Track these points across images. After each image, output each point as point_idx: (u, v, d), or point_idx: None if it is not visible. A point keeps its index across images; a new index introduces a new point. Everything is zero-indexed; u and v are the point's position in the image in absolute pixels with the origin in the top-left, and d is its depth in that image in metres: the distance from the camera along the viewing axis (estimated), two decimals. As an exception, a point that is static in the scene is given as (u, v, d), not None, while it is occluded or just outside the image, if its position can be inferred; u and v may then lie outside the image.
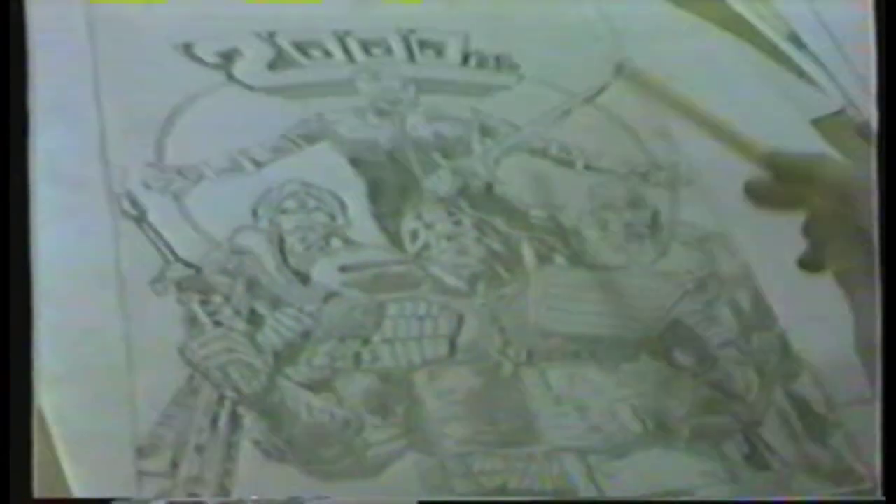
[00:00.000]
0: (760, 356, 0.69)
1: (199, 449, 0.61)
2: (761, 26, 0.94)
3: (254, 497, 0.60)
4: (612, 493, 0.61)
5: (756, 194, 0.65)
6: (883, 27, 0.59)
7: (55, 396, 0.62)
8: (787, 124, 0.86)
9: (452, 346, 0.67)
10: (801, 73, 0.91)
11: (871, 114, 0.84)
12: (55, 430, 0.61)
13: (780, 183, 0.65)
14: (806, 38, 0.93)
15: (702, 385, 0.67)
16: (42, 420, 0.61)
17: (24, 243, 0.62)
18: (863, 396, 0.67)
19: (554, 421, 0.65)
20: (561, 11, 0.91)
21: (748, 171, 0.77)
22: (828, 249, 0.61)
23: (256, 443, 0.62)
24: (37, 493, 0.59)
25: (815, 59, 0.92)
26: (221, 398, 0.63)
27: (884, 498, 0.58)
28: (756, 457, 0.64)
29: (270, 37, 0.84)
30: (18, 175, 0.62)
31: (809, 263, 0.65)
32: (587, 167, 0.79)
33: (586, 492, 0.61)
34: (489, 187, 0.77)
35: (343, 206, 0.74)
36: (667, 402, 0.66)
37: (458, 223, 0.74)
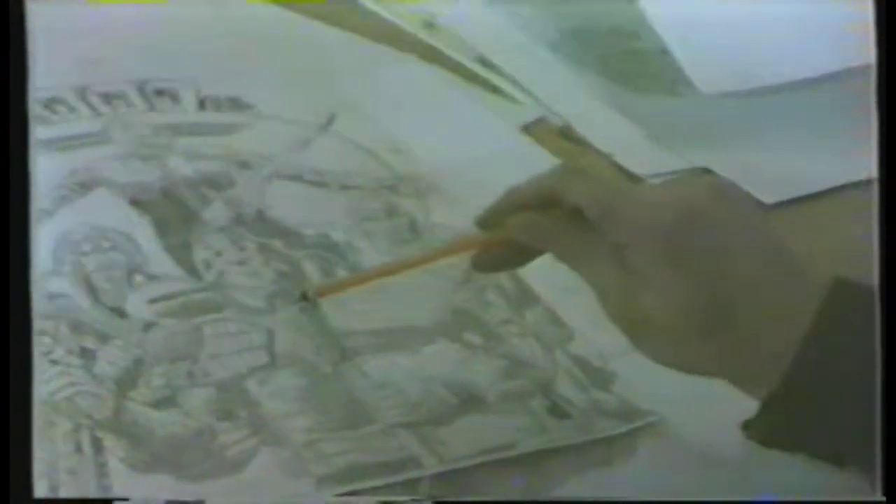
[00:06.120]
0: (537, 328, 0.78)
1: (71, 472, 0.65)
2: (450, 52, 1.04)
3: None
4: (448, 457, 0.69)
5: None
6: (883, 27, 0.63)
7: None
8: (498, 134, 0.96)
9: (271, 354, 0.73)
10: (494, 89, 1.02)
11: (569, 117, 0.97)
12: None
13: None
14: (493, 58, 1.04)
15: (495, 357, 0.76)
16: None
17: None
18: (626, 349, 0.77)
19: (381, 403, 0.71)
20: (275, 55, 0.99)
21: (483, 174, 0.88)
22: (551, 235, 0.66)
23: (123, 460, 0.66)
24: (37, 492, 0.62)
25: (506, 76, 1.03)
26: (77, 426, 0.67)
27: (884, 498, 0.61)
28: (557, 409, 0.73)
29: (14, 98, 0.87)
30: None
31: None
32: (342, 187, 0.87)
33: (426, 458, 0.69)
34: (261, 213, 0.83)
35: (135, 243, 0.79)
36: (470, 375, 0.74)
37: (242, 249, 0.80)
